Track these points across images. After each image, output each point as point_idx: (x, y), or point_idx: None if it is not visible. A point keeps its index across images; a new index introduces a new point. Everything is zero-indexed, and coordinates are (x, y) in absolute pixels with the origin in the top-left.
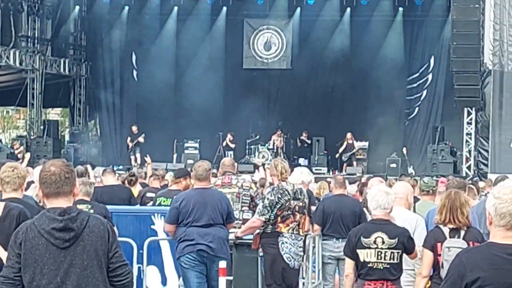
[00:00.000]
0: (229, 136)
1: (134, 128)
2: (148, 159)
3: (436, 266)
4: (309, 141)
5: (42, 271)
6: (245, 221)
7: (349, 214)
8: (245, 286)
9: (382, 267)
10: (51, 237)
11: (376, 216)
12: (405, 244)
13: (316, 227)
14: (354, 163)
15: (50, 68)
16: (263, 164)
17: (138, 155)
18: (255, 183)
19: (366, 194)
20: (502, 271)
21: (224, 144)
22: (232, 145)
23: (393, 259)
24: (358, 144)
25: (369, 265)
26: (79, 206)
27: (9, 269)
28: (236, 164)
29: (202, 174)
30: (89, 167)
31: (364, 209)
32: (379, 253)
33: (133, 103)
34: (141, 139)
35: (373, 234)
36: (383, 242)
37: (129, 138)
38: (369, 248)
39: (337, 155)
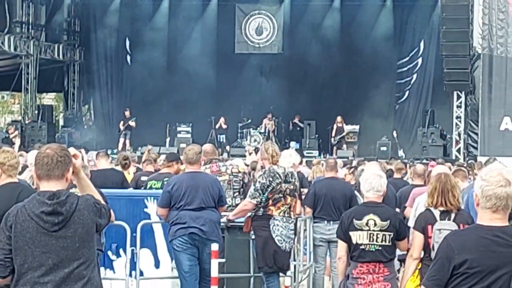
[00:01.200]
0: (222, 119)
1: (127, 113)
2: (149, 146)
3: (426, 248)
4: (301, 125)
5: (34, 254)
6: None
7: (340, 197)
8: (237, 269)
9: (374, 249)
10: (41, 220)
11: (369, 198)
12: (397, 227)
13: (308, 209)
14: (344, 146)
15: (44, 53)
16: (256, 149)
17: (127, 141)
18: (248, 165)
19: (358, 177)
20: (489, 253)
21: (217, 126)
22: (225, 126)
23: (385, 241)
24: (348, 128)
25: (361, 247)
26: (75, 190)
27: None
28: (216, 151)
29: (193, 158)
30: (83, 151)
31: (356, 192)
32: (371, 235)
33: (126, 87)
34: (132, 123)
35: (365, 216)
36: (375, 224)
37: (121, 122)
38: (361, 230)
39: (332, 139)
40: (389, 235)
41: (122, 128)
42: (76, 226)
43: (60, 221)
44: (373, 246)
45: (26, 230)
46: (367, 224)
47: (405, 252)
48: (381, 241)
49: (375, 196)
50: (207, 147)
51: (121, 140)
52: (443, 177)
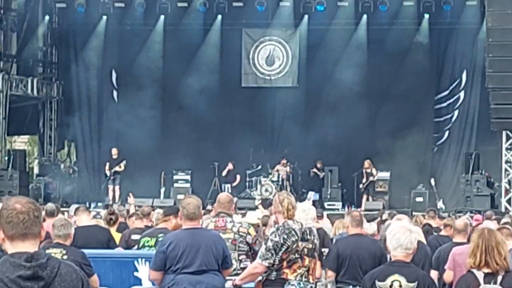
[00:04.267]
0: (229, 166)
1: (114, 151)
2: (131, 198)
3: None
4: (320, 173)
5: None
6: (244, 270)
7: (368, 258)
8: None
9: None
10: (17, 287)
11: (396, 257)
12: None
13: (330, 273)
14: (370, 197)
15: (15, 89)
16: (265, 200)
17: (117, 187)
18: (255, 226)
19: (383, 232)
20: None
21: (224, 173)
22: (237, 180)
23: None
24: (377, 175)
25: None
26: (52, 251)
27: None
28: (234, 200)
29: (194, 212)
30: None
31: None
32: None
33: (113, 128)
34: (118, 167)
35: (389, 277)
36: (400, 286)
37: (107, 165)
38: None
39: (361, 186)
40: None
41: (108, 173)
42: None
43: (40, 287)
44: None
45: None
46: (391, 286)
47: None
48: None
49: (403, 254)
50: (222, 196)
51: (110, 187)
52: (487, 233)
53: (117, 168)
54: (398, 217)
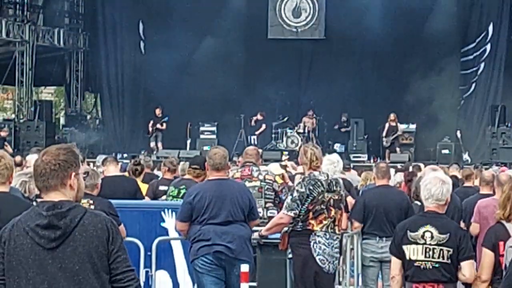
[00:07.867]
0: (258, 116)
1: (158, 111)
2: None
3: (498, 268)
4: (347, 129)
5: (27, 275)
6: (270, 219)
7: (394, 209)
8: None
9: (431, 267)
10: (36, 235)
11: (428, 207)
12: (458, 243)
13: (356, 224)
14: (398, 149)
15: (42, 39)
16: (292, 152)
17: (159, 144)
18: (281, 175)
19: (416, 183)
20: None
21: (253, 124)
22: (262, 128)
23: (443, 258)
24: (403, 127)
25: (415, 264)
26: (84, 202)
27: None
28: (260, 153)
29: (220, 163)
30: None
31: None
32: (427, 250)
33: (139, 80)
34: (160, 126)
35: (421, 227)
36: (432, 237)
37: (151, 123)
38: (416, 243)
39: (384, 140)
40: (448, 251)
41: (150, 130)
42: (76, 244)
43: (58, 236)
44: (429, 263)
45: (20, 247)
46: (422, 236)
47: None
48: (438, 257)
49: (435, 205)
50: (249, 148)
51: (152, 144)
52: None
53: (158, 126)
54: (433, 167)
